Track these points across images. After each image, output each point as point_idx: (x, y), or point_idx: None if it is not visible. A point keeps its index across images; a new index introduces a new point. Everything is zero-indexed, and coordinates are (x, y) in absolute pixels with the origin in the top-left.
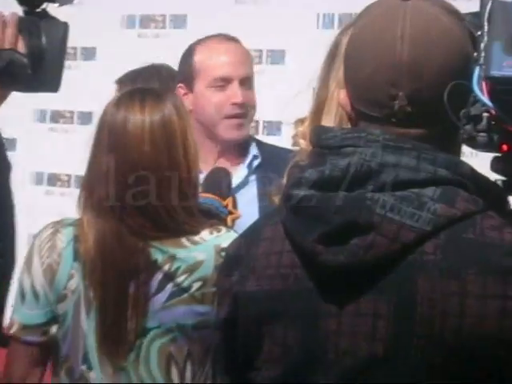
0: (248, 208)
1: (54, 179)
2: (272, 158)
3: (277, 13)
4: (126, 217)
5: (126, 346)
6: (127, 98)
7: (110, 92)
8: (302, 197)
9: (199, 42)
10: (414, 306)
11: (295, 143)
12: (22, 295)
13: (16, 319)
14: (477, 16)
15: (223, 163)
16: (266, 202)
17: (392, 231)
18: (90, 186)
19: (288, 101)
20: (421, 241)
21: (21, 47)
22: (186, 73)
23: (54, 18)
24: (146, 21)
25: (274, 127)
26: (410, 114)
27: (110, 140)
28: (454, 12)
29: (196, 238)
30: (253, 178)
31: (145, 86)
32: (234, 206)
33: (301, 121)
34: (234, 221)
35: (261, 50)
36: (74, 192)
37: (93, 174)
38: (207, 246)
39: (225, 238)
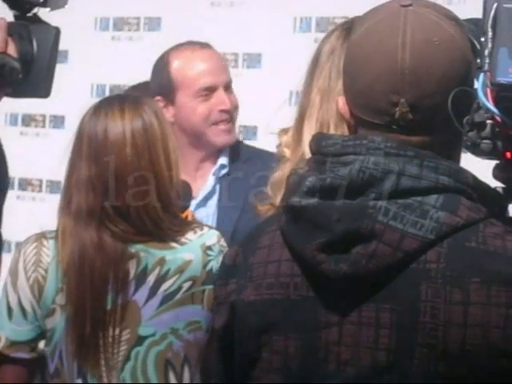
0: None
1: (24, 184)
2: (248, 162)
3: (253, 16)
4: (108, 223)
5: (112, 357)
6: (106, 105)
7: (83, 95)
8: (303, 205)
9: (171, 51)
10: (416, 315)
11: (279, 152)
12: (8, 311)
13: (3, 335)
14: (472, 22)
15: (203, 172)
16: (224, 212)
17: (395, 239)
18: (69, 194)
19: (265, 105)
20: (424, 249)
21: (12, 51)
22: (164, 85)
23: (45, 23)
24: (120, 23)
25: (249, 132)
26: (412, 120)
27: (91, 148)
28: (454, 18)
29: (182, 238)
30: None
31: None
32: (194, 217)
33: (284, 130)
34: None
35: (237, 54)
36: (46, 197)
37: (72, 182)
38: (193, 245)
39: (209, 235)
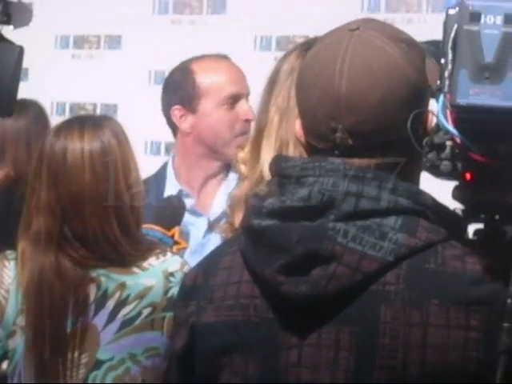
0: None
1: None
2: None
3: (214, 34)
4: (67, 248)
5: (70, 380)
6: (66, 128)
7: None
8: (263, 226)
9: (193, 62)
10: (376, 337)
11: (236, 169)
12: None
13: None
14: (432, 44)
15: (211, 188)
16: None
17: (354, 261)
18: (29, 217)
19: None
20: (383, 271)
21: None
22: (187, 93)
23: (8, 42)
24: (80, 41)
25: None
26: (352, 146)
27: (50, 171)
28: (405, 41)
29: (144, 264)
30: None
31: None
32: (181, 236)
33: (241, 147)
34: (179, 251)
35: None
36: None
37: (32, 205)
38: (155, 271)
39: (171, 262)
